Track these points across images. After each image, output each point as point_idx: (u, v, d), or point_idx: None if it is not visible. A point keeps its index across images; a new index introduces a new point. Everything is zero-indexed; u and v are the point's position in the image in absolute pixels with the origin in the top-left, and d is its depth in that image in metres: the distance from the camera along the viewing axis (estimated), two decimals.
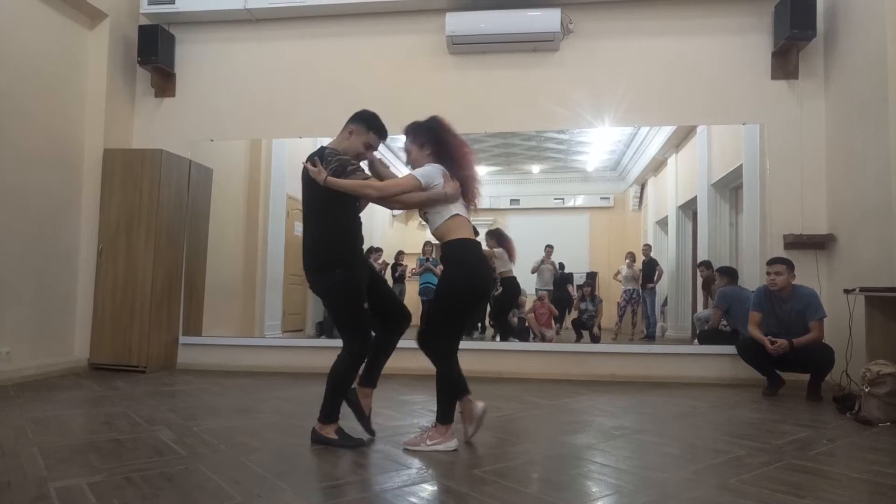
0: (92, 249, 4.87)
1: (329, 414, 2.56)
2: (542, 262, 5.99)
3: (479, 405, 2.61)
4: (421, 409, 3.34)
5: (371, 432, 2.68)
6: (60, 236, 4.69)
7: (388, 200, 2.59)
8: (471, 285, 2.56)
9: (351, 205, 2.63)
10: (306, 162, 2.57)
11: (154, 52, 5.10)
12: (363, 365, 2.65)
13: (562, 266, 6.10)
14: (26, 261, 4.35)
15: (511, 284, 5.50)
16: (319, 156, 2.55)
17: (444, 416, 2.53)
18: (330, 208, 2.57)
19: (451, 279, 2.56)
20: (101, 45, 4.98)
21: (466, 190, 2.64)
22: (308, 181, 2.56)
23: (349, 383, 2.60)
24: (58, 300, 4.65)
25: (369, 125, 2.67)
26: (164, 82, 5.36)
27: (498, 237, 5.42)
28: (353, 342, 2.56)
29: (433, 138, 2.66)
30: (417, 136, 2.68)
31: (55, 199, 4.63)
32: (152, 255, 4.76)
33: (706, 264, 5.31)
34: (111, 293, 4.78)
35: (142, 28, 5.16)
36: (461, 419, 2.64)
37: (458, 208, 2.60)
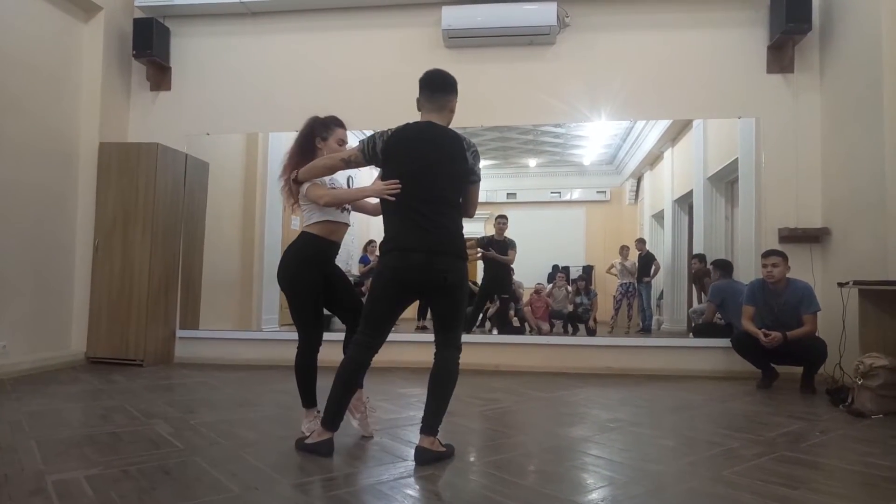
0: (88, 243, 4.86)
1: (438, 423, 2.29)
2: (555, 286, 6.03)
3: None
4: (417, 402, 3.34)
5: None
6: (56, 230, 4.68)
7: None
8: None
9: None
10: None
11: (149, 45, 5.07)
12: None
13: (556, 268, 6.12)
14: (22, 255, 4.34)
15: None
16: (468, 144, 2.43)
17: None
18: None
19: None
20: (96, 39, 4.95)
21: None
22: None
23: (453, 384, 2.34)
24: (54, 294, 4.65)
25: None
26: (160, 76, 5.33)
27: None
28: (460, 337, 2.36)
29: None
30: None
31: (51, 193, 4.62)
32: (149, 249, 4.76)
33: (699, 257, 5.32)
34: (108, 287, 4.78)
35: (136, 21, 5.13)
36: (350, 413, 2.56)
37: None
